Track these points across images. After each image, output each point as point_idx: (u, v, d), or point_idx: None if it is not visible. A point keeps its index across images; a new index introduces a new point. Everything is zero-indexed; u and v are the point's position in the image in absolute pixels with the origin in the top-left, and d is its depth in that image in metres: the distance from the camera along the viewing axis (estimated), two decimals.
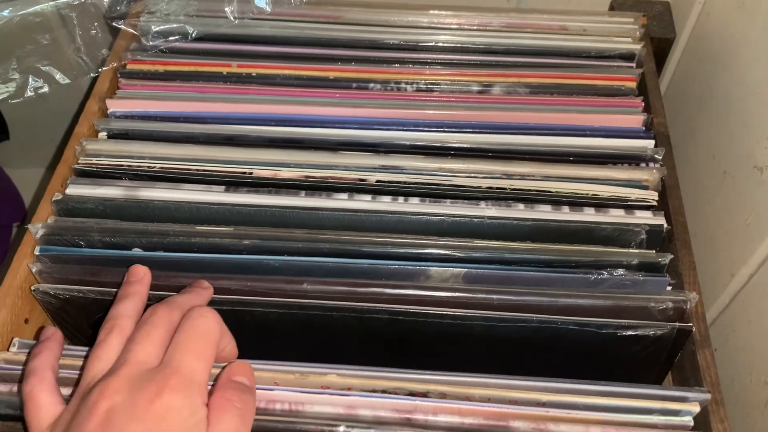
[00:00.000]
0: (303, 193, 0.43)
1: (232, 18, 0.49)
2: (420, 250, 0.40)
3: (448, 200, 0.43)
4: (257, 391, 0.34)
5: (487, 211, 0.42)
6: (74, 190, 0.43)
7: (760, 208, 0.49)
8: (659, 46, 0.57)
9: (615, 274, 0.39)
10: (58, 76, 0.45)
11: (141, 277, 0.37)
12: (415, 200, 0.43)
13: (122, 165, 0.45)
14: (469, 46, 0.53)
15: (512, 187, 0.44)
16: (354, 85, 0.51)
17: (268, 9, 0.49)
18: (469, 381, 0.36)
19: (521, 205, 0.43)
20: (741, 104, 0.52)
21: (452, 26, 0.54)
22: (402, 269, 0.39)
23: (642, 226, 0.41)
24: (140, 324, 0.33)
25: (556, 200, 0.43)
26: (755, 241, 0.49)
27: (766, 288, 0.48)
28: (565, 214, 0.42)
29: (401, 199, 0.43)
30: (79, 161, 0.45)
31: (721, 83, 0.56)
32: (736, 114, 0.53)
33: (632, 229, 0.41)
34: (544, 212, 0.43)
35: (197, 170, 0.45)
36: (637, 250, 0.41)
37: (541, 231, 0.42)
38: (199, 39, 0.52)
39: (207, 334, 0.32)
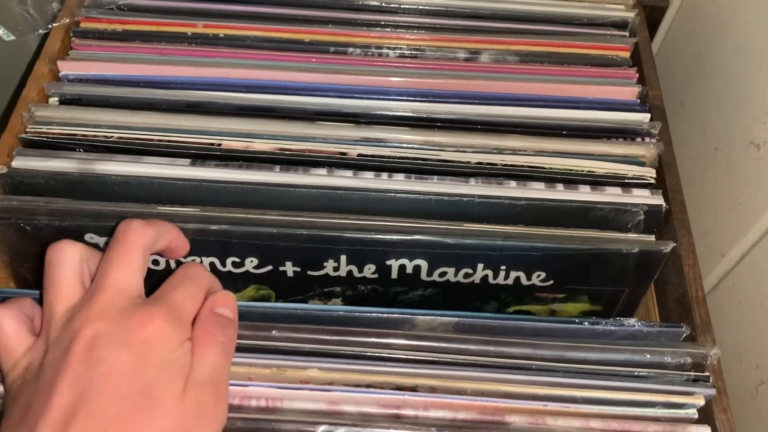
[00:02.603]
0: (278, 167, 0.40)
1: None
2: (406, 237, 0.37)
3: (435, 177, 0.40)
4: (230, 387, 0.31)
5: (476, 189, 0.39)
6: (21, 162, 0.38)
7: (755, 185, 0.47)
8: (651, 14, 0.55)
9: (626, 324, 0.35)
10: (1, 32, 0.40)
11: None
12: (400, 176, 0.40)
13: (76, 134, 0.40)
14: (455, 9, 0.50)
15: (503, 162, 0.41)
16: (331, 49, 0.47)
17: None
18: (460, 375, 0.33)
19: (513, 183, 0.40)
20: (737, 76, 0.50)
21: None
22: (385, 318, 0.35)
23: (640, 206, 0.39)
24: (113, 245, 0.31)
25: (550, 177, 0.41)
26: (749, 220, 0.47)
27: (759, 269, 0.47)
28: (560, 193, 0.40)
29: (385, 175, 0.40)
30: (27, 130, 0.41)
31: (714, 54, 0.53)
32: (731, 87, 0.51)
33: (630, 210, 0.39)
34: (538, 190, 0.40)
35: (160, 141, 0.40)
36: (636, 236, 0.38)
37: (535, 211, 0.39)
38: None
39: (198, 278, 0.32)
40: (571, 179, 0.41)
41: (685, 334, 0.36)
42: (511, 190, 0.40)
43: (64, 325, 0.29)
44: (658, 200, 0.39)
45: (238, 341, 0.33)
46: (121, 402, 0.26)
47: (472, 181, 0.40)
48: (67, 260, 0.30)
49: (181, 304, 0.30)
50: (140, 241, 0.31)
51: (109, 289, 0.29)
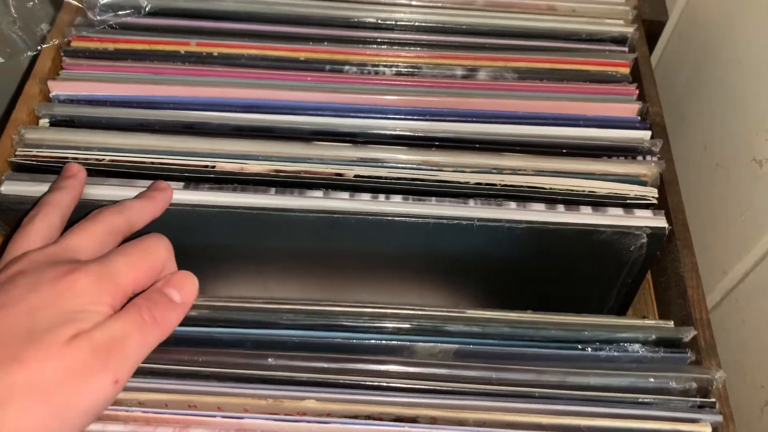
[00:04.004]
0: (273, 190, 0.39)
1: None
2: (400, 324, 0.35)
3: (434, 198, 0.39)
4: (223, 419, 0.30)
5: (476, 211, 0.39)
6: (10, 187, 0.38)
7: (758, 203, 0.46)
8: (650, 29, 0.54)
9: (630, 350, 0.35)
10: None
11: (75, 173, 0.36)
12: (398, 198, 0.39)
13: (67, 157, 0.39)
14: (452, 26, 0.49)
15: (503, 182, 0.40)
16: (327, 67, 0.46)
17: None
18: (461, 404, 0.32)
19: (513, 204, 0.39)
20: (737, 91, 0.49)
21: (434, 4, 0.50)
22: (384, 345, 0.34)
23: (643, 229, 0.38)
24: (83, 219, 0.33)
25: (551, 198, 0.40)
26: (752, 237, 0.47)
27: (764, 286, 0.46)
28: (561, 215, 0.39)
29: (382, 196, 0.39)
30: (17, 153, 0.40)
31: (714, 68, 0.53)
32: (732, 102, 0.50)
33: (633, 233, 0.38)
34: (538, 212, 0.39)
35: (152, 163, 0.40)
36: (653, 323, 0.37)
37: (536, 235, 0.38)
38: (154, 13, 0.46)
39: (150, 251, 0.31)
40: (572, 200, 0.40)
41: (690, 360, 0.35)
42: (511, 212, 0.39)
43: (6, 261, 0.30)
44: (661, 222, 0.39)
45: (232, 370, 0.33)
46: (2, 331, 0.26)
47: (471, 202, 0.39)
48: (43, 215, 0.33)
49: (117, 268, 0.29)
50: (108, 221, 0.32)
51: (58, 245, 0.30)
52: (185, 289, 0.31)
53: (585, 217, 0.39)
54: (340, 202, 0.39)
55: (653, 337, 0.36)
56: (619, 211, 0.39)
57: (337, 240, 0.38)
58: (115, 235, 0.33)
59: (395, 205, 0.39)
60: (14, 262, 0.30)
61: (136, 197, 0.36)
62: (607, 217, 0.39)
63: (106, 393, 0.27)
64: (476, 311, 0.35)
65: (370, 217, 0.37)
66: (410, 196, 0.39)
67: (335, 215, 0.37)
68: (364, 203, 0.39)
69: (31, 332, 0.26)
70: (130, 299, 0.30)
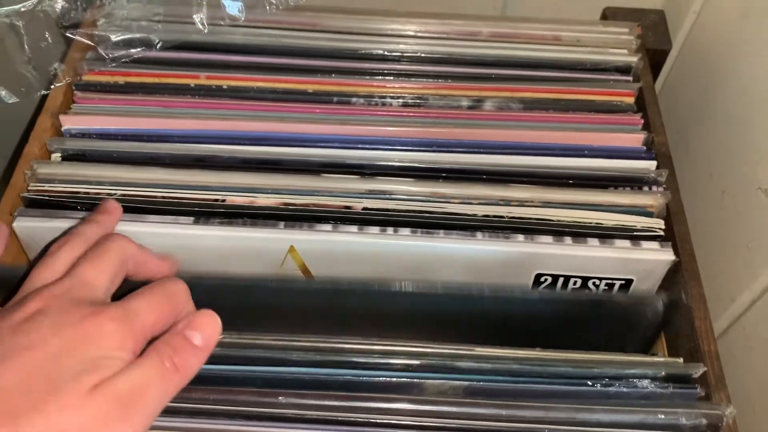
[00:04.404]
0: (282, 224, 0.39)
1: (201, 26, 0.44)
2: (410, 361, 0.35)
3: (442, 231, 0.40)
4: None
5: (483, 244, 0.39)
6: (23, 223, 0.38)
7: (764, 232, 0.46)
8: (654, 58, 0.55)
9: (639, 386, 0.34)
10: (4, 93, 0.39)
11: (111, 210, 0.36)
12: (406, 231, 0.40)
13: (78, 192, 0.40)
14: (458, 57, 0.49)
15: (510, 214, 0.41)
16: (335, 99, 0.46)
17: (242, 16, 0.44)
18: None
19: (521, 236, 0.40)
20: (743, 120, 0.50)
21: (439, 35, 0.50)
22: (394, 382, 0.34)
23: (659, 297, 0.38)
24: (94, 247, 0.32)
25: (558, 230, 0.40)
26: (759, 265, 0.47)
27: None
28: (568, 247, 0.39)
29: (390, 230, 0.39)
30: (29, 188, 0.40)
31: (719, 97, 0.53)
32: (737, 130, 0.50)
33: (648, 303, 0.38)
34: (545, 244, 0.39)
35: (163, 198, 0.40)
36: (662, 359, 0.37)
37: (550, 303, 0.38)
38: (164, 48, 0.47)
39: (170, 293, 0.30)
40: (579, 232, 0.40)
41: (699, 395, 0.35)
42: (518, 245, 0.39)
43: (23, 295, 0.29)
44: (669, 255, 0.39)
45: (243, 408, 0.33)
46: (22, 377, 0.25)
47: (479, 234, 0.39)
48: (70, 246, 0.32)
49: (139, 312, 0.29)
50: (120, 250, 0.32)
51: (75, 278, 0.29)
52: (207, 331, 0.30)
53: (593, 250, 0.39)
54: (349, 236, 0.39)
55: (662, 373, 0.36)
56: (626, 243, 0.40)
57: (342, 306, 0.38)
58: (124, 266, 0.32)
59: (403, 239, 0.39)
60: (34, 296, 0.28)
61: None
62: (614, 250, 0.39)
63: None
64: (485, 349, 0.35)
65: (376, 287, 0.37)
66: (418, 230, 0.39)
67: (340, 287, 0.37)
68: (373, 237, 0.39)
69: (53, 380, 0.25)
70: (149, 342, 0.29)
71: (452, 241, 0.39)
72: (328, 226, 0.39)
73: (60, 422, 0.25)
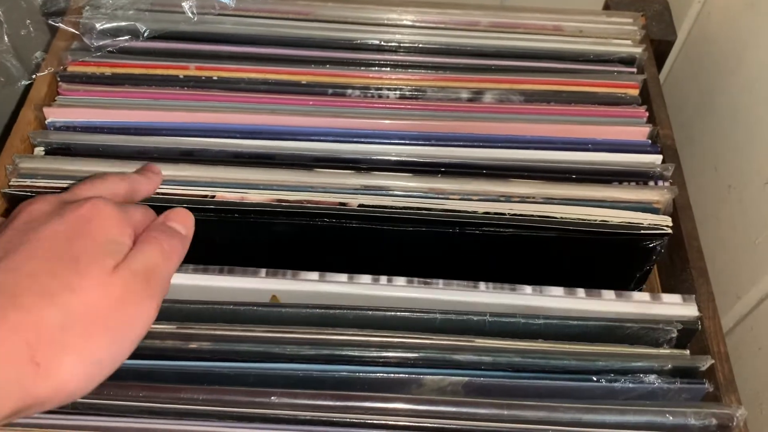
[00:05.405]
0: (263, 272, 0.36)
1: (190, 14, 0.42)
2: (406, 354, 0.34)
3: (441, 281, 0.37)
4: None
5: (487, 297, 0.36)
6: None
7: None
8: (658, 49, 0.53)
9: (646, 381, 0.33)
10: None
11: (157, 172, 0.38)
12: (401, 281, 0.37)
13: (62, 188, 0.38)
14: (457, 47, 0.48)
15: (512, 211, 0.39)
16: (330, 91, 0.45)
17: (232, 4, 0.42)
18: None
19: (528, 288, 0.37)
20: (749, 113, 0.48)
21: (438, 25, 0.49)
22: (391, 378, 0.33)
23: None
24: (88, 177, 0.34)
25: (562, 228, 0.39)
26: (767, 262, 0.46)
27: None
28: (582, 302, 0.36)
29: (384, 278, 0.37)
30: (11, 184, 0.39)
31: (724, 89, 0.52)
32: (743, 124, 0.49)
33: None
34: (556, 297, 0.37)
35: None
36: (668, 351, 0.35)
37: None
38: (152, 37, 0.45)
39: (147, 209, 0.32)
40: (584, 230, 0.39)
41: (707, 391, 0.34)
42: (527, 297, 0.37)
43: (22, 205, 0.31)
44: (692, 311, 0.37)
45: (234, 409, 0.32)
46: (44, 261, 0.27)
47: (482, 285, 0.37)
48: (114, 180, 0.34)
49: (128, 208, 0.31)
50: (113, 184, 0.34)
51: (72, 188, 0.32)
52: (187, 223, 0.32)
53: (609, 304, 0.37)
54: (338, 286, 0.36)
55: (669, 366, 0.34)
56: (646, 296, 0.37)
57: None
58: (115, 198, 0.33)
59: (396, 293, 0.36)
60: (29, 201, 0.30)
61: (135, 172, 0.37)
62: (633, 304, 0.37)
63: (150, 318, 0.28)
64: (485, 340, 0.34)
65: (369, 312, 0.35)
66: (414, 279, 0.37)
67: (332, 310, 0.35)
68: (364, 287, 0.36)
69: (77, 262, 0.27)
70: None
71: (452, 293, 0.36)
72: (314, 274, 0.36)
73: (94, 298, 0.27)
